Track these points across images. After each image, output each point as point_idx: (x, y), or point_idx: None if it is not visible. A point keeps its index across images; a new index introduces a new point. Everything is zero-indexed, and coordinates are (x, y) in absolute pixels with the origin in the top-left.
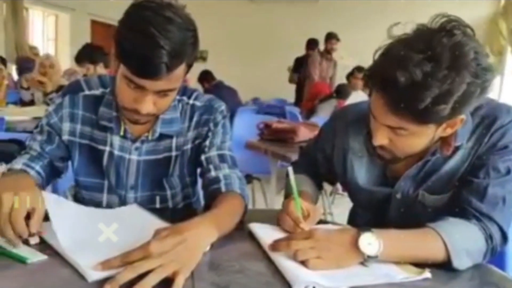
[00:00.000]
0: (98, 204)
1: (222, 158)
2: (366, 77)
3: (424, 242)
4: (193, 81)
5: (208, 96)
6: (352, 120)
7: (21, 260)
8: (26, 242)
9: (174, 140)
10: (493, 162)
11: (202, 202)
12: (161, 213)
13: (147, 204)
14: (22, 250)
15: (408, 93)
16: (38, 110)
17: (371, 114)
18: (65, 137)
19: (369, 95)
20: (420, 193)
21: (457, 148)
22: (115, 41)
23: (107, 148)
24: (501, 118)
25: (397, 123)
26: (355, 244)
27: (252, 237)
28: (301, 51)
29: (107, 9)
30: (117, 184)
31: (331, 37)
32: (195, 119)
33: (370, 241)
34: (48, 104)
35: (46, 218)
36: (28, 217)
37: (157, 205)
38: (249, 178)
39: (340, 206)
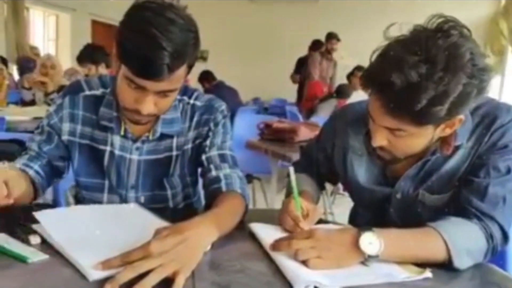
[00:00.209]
0: (99, 203)
1: (222, 157)
2: (364, 79)
3: (425, 242)
4: (193, 81)
5: (209, 96)
6: (352, 119)
7: (22, 260)
8: (27, 242)
9: (174, 140)
10: (493, 161)
11: (203, 202)
12: (161, 212)
13: (148, 204)
14: (23, 250)
15: (404, 95)
16: (39, 110)
17: (370, 115)
18: (65, 137)
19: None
20: (420, 193)
21: (457, 148)
22: (116, 42)
23: (108, 148)
24: (501, 118)
25: (394, 125)
26: (355, 244)
27: (252, 237)
28: (301, 51)
29: (107, 9)
30: (117, 184)
31: (331, 37)
32: (195, 119)
33: (371, 241)
34: (49, 104)
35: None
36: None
37: (158, 205)
38: (249, 178)
39: (341, 206)
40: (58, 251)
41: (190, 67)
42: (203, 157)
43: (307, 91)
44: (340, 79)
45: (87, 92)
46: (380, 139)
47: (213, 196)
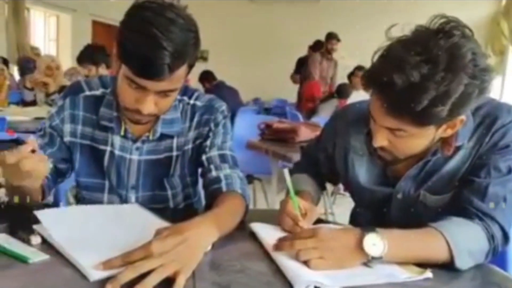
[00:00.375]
0: (100, 203)
1: (223, 158)
2: (365, 79)
3: (428, 242)
4: (194, 81)
5: (209, 96)
6: (353, 119)
7: (23, 260)
8: (27, 242)
9: (175, 140)
10: (494, 161)
11: (203, 202)
12: (162, 213)
13: (148, 204)
14: (23, 250)
15: (405, 95)
16: (40, 111)
17: (371, 116)
18: (67, 138)
19: (371, 94)
20: (421, 193)
21: (458, 148)
22: (117, 42)
23: (108, 148)
24: (502, 118)
25: (396, 125)
26: (359, 245)
27: (253, 237)
28: (302, 51)
29: (108, 10)
30: (118, 184)
31: (331, 37)
32: (196, 119)
33: (374, 242)
34: (50, 105)
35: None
36: None
37: (158, 205)
38: (250, 178)
39: (341, 206)
40: (59, 251)
41: (190, 67)
42: (204, 157)
43: (305, 91)
44: (341, 79)
45: (87, 93)
46: (381, 140)
47: (214, 197)
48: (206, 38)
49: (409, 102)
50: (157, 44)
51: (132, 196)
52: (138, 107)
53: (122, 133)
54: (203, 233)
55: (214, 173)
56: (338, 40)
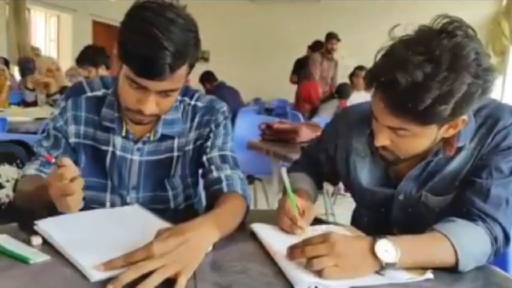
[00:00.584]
0: (101, 204)
1: (223, 158)
2: (367, 78)
3: (435, 247)
4: (194, 82)
5: (210, 97)
6: (355, 121)
7: (24, 261)
8: (28, 243)
9: (175, 140)
10: (496, 162)
11: (204, 203)
12: (162, 213)
13: (149, 205)
14: (24, 251)
15: (408, 94)
16: (41, 111)
17: (373, 115)
18: (72, 139)
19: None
20: (423, 194)
21: (459, 149)
22: (118, 42)
23: (110, 149)
24: (504, 119)
25: (398, 124)
26: (371, 251)
27: (254, 237)
28: (303, 52)
29: (108, 10)
30: (119, 185)
31: (331, 37)
32: (196, 120)
33: (386, 248)
34: (51, 105)
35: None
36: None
37: (159, 206)
38: (250, 179)
39: (342, 206)
40: (60, 252)
41: (191, 67)
42: (204, 158)
43: (302, 91)
44: (341, 79)
45: (89, 94)
46: (383, 139)
47: (214, 197)
48: (207, 39)
49: (412, 101)
50: (158, 44)
51: (133, 196)
52: (140, 107)
53: (123, 133)
54: (204, 233)
55: (215, 174)
56: (338, 40)
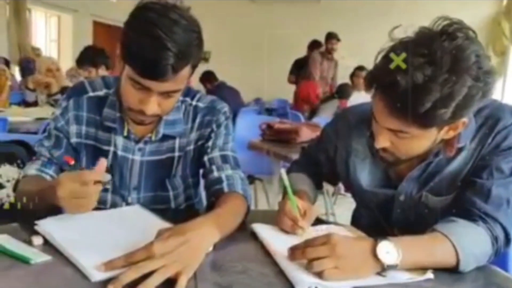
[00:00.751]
0: (103, 204)
1: (224, 159)
2: (368, 80)
3: (436, 248)
4: (194, 82)
5: (211, 97)
6: (355, 122)
7: (25, 261)
8: (29, 243)
9: (177, 141)
10: (496, 163)
11: (205, 203)
12: (163, 213)
13: (150, 205)
14: (25, 251)
15: (408, 96)
16: (41, 111)
17: (373, 116)
18: (73, 139)
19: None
20: (424, 195)
21: (460, 149)
22: (121, 43)
23: (111, 149)
24: (504, 119)
25: (398, 126)
26: (373, 253)
27: (254, 237)
28: (303, 52)
29: (109, 10)
30: (120, 185)
31: (331, 37)
32: (198, 120)
33: (388, 250)
34: (52, 105)
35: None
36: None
37: (160, 206)
38: (251, 179)
39: (342, 206)
40: (61, 252)
41: (193, 68)
42: (205, 158)
43: (301, 92)
44: (341, 79)
45: (91, 94)
46: (383, 141)
47: (215, 197)
48: (207, 39)
49: (412, 103)
50: (161, 45)
51: (134, 196)
52: (142, 107)
53: (125, 133)
54: (204, 234)
55: (215, 174)
56: (338, 40)
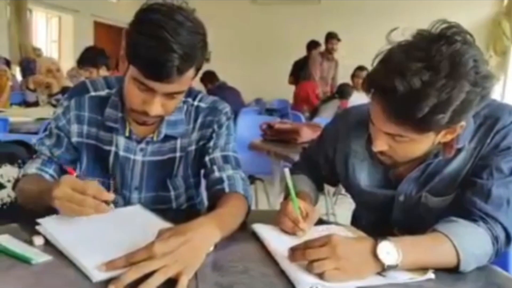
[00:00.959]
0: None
1: (225, 159)
2: (366, 84)
3: (437, 249)
4: (195, 82)
5: (213, 97)
6: (354, 123)
7: (26, 261)
8: (30, 243)
9: (178, 141)
10: (496, 162)
11: (206, 203)
12: (164, 213)
13: (151, 205)
14: (26, 251)
15: (406, 101)
16: (42, 111)
17: (370, 120)
18: (74, 139)
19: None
20: (423, 195)
21: (459, 150)
22: (126, 44)
23: (113, 149)
24: (503, 119)
25: (395, 131)
26: (373, 253)
27: (255, 237)
28: (303, 52)
29: (110, 11)
30: (121, 185)
31: (331, 37)
32: (199, 120)
33: (388, 250)
34: (52, 105)
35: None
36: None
37: (161, 206)
38: (251, 179)
39: (343, 206)
40: (62, 252)
41: (197, 70)
42: (206, 158)
43: (301, 92)
44: (342, 79)
45: (93, 93)
46: (380, 144)
47: (216, 197)
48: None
49: (410, 108)
50: (167, 47)
51: (135, 197)
52: (145, 108)
53: (126, 133)
54: (205, 234)
55: (216, 174)
56: (338, 39)
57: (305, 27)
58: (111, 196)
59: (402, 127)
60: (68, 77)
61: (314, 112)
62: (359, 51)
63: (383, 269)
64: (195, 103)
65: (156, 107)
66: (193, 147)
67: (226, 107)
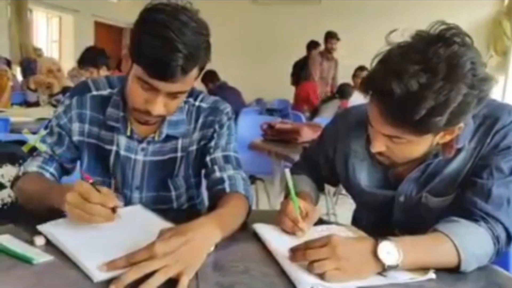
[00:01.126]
0: None
1: (226, 159)
2: (364, 85)
3: (438, 249)
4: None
5: (214, 98)
6: (354, 123)
7: (27, 261)
8: (31, 243)
9: (179, 141)
10: (496, 162)
11: (206, 203)
12: (165, 213)
13: (152, 205)
14: (28, 251)
15: (403, 104)
16: (43, 111)
17: (369, 122)
18: (75, 137)
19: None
20: (424, 195)
21: (459, 150)
22: (130, 43)
23: (114, 148)
24: (503, 119)
25: (393, 132)
26: (374, 253)
27: (256, 237)
28: (304, 52)
29: (110, 11)
30: (122, 184)
31: (331, 36)
32: (200, 120)
33: (389, 250)
34: (53, 105)
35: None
36: None
37: (162, 206)
38: (252, 179)
39: (343, 206)
40: (63, 252)
41: (200, 70)
42: (207, 158)
43: (301, 92)
44: (342, 79)
45: (94, 92)
46: (379, 146)
47: (217, 197)
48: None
49: (407, 111)
50: (172, 47)
51: (136, 196)
52: (148, 108)
53: (128, 133)
54: (206, 234)
55: (217, 174)
56: (338, 39)
57: (305, 27)
58: (120, 203)
59: (400, 129)
60: (69, 77)
61: (314, 112)
62: (359, 51)
63: (383, 269)
64: (196, 103)
65: (159, 107)
66: (194, 147)
67: (227, 107)
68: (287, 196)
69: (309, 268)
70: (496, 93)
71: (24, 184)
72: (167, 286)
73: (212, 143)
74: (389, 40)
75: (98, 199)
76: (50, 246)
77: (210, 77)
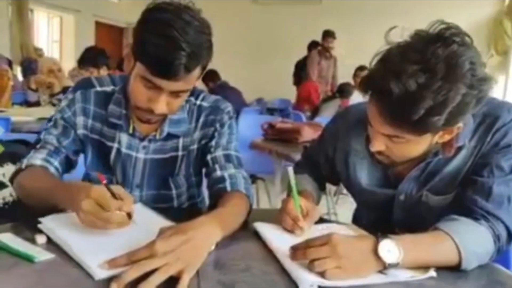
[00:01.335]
0: None
1: (227, 158)
2: (363, 85)
3: (438, 247)
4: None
5: (215, 97)
6: (354, 122)
7: (28, 259)
8: (33, 241)
9: (180, 140)
10: (496, 160)
11: (207, 202)
12: (166, 212)
13: (152, 203)
14: (29, 249)
15: (402, 104)
16: (44, 111)
17: (368, 121)
18: (80, 131)
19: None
20: (424, 194)
21: (459, 148)
22: (133, 42)
23: (115, 145)
24: (503, 117)
25: (392, 132)
26: (374, 251)
27: (257, 236)
28: (304, 52)
29: (111, 11)
30: (123, 182)
31: (328, 35)
32: (201, 119)
33: (389, 248)
34: (54, 105)
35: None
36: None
37: (162, 205)
38: (253, 178)
39: (344, 206)
40: (64, 251)
41: (203, 69)
42: (208, 157)
43: (301, 92)
44: (342, 78)
45: (98, 88)
46: (378, 145)
47: (218, 196)
48: None
49: (405, 111)
50: (176, 45)
51: (137, 194)
52: (151, 106)
53: (130, 131)
54: (207, 232)
55: (218, 173)
56: (335, 37)
57: (306, 27)
58: (132, 207)
59: (399, 128)
60: (70, 77)
61: (315, 112)
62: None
63: (384, 267)
64: (198, 102)
65: (161, 105)
66: (195, 146)
67: (228, 106)
68: (289, 194)
69: (310, 266)
70: (497, 93)
71: (26, 180)
72: (168, 285)
73: (213, 142)
74: (388, 40)
75: (115, 205)
76: (51, 244)
77: (211, 77)
